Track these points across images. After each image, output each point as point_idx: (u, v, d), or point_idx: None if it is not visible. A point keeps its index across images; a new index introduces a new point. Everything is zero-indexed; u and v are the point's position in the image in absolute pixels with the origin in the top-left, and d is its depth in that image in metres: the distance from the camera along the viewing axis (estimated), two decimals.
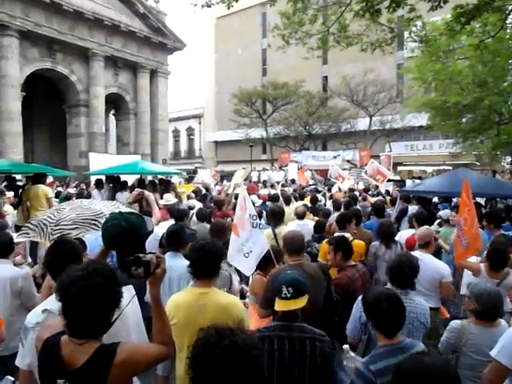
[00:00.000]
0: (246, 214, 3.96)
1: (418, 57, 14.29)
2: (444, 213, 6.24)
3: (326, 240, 4.35)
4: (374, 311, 2.36)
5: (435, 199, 9.36)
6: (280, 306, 2.36)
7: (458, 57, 12.83)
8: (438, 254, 4.98)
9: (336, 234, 4.96)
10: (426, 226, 4.56)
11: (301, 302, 2.34)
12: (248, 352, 1.42)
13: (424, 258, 3.92)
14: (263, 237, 3.95)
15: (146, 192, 4.68)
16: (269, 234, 5.00)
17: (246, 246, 3.75)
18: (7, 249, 3.48)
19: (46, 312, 2.16)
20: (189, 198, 9.72)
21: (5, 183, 10.88)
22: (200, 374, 1.41)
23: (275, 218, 5.39)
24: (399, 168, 27.89)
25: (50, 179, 12.33)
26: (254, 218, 3.96)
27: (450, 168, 22.13)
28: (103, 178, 11.67)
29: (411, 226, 5.94)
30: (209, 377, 1.39)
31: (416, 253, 3.96)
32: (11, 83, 20.14)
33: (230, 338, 1.44)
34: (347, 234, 4.63)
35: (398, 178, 18.21)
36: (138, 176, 12.15)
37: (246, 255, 3.72)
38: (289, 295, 2.33)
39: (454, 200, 8.80)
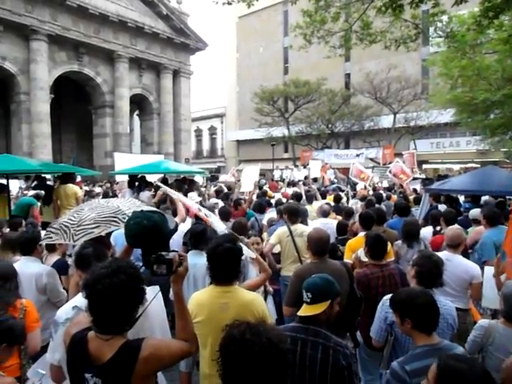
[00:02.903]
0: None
1: (444, 52, 13.91)
2: (473, 212, 6.08)
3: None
4: (412, 308, 2.28)
5: (462, 198, 9.08)
6: (301, 310, 2.35)
7: (486, 51, 12.43)
8: (465, 253, 4.85)
9: (360, 233, 4.90)
10: (457, 226, 4.38)
11: (317, 309, 2.27)
12: (282, 348, 1.45)
13: (453, 258, 3.84)
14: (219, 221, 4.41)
15: (169, 190, 4.73)
16: (284, 231, 4.99)
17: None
18: (31, 246, 3.57)
19: (76, 308, 2.22)
20: (210, 196, 9.78)
21: (35, 182, 11.21)
22: (236, 371, 1.41)
23: (291, 215, 5.35)
24: (424, 166, 27.25)
25: (78, 179, 12.61)
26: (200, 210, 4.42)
27: (478, 166, 21.53)
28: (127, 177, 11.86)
29: (433, 225, 5.73)
30: (245, 374, 1.39)
31: (444, 253, 3.85)
32: (40, 86, 20.84)
33: (265, 334, 1.45)
34: None
35: (423, 176, 17.84)
36: (162, 175, 12.32)
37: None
38: (308, 300, 2.31)
39: (483, 199, 8.54)
